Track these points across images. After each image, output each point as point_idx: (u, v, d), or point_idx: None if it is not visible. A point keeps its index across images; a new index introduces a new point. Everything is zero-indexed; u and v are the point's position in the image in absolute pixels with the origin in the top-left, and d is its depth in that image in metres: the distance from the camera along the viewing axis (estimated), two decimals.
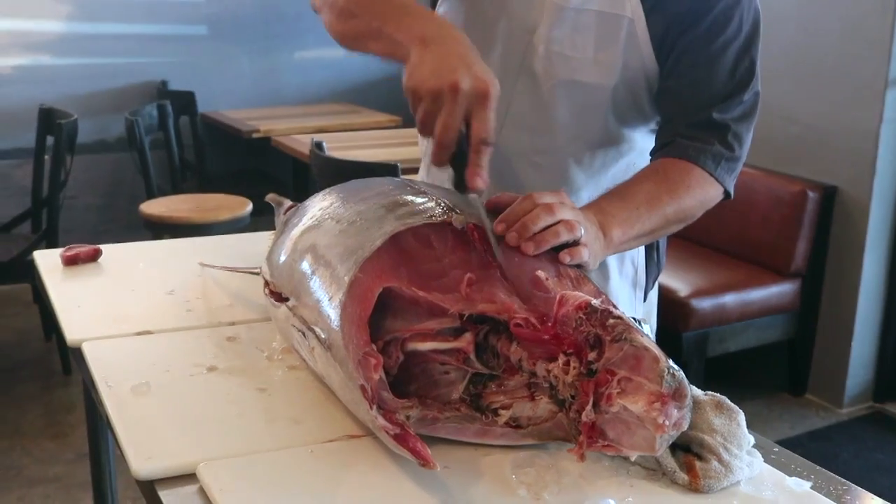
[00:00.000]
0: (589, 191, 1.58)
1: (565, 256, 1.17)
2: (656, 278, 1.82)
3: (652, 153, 1.53)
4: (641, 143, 1.60)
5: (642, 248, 1.71)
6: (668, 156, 1.46)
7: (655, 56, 1.46)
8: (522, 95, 1.53)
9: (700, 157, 1.44)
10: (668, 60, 1.46)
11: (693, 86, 1.45)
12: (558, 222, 1.19)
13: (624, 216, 1.33)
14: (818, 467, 1.16)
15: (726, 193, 1.51)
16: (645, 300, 1.76)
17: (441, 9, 1.57)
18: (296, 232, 1.34)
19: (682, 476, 1.07)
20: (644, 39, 1.45)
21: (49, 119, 4.19)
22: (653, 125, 1.58)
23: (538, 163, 1.57)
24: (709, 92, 1.44)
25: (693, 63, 1.44)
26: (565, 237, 1.18)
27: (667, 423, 0.95)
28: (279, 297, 1.30)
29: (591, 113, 1.52)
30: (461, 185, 1.21)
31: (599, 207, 1.34)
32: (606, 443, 1.00)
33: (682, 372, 0.95)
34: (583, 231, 1.21)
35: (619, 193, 1.40)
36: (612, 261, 1.64)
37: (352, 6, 1.37)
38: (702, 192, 1.46)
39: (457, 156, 1.19)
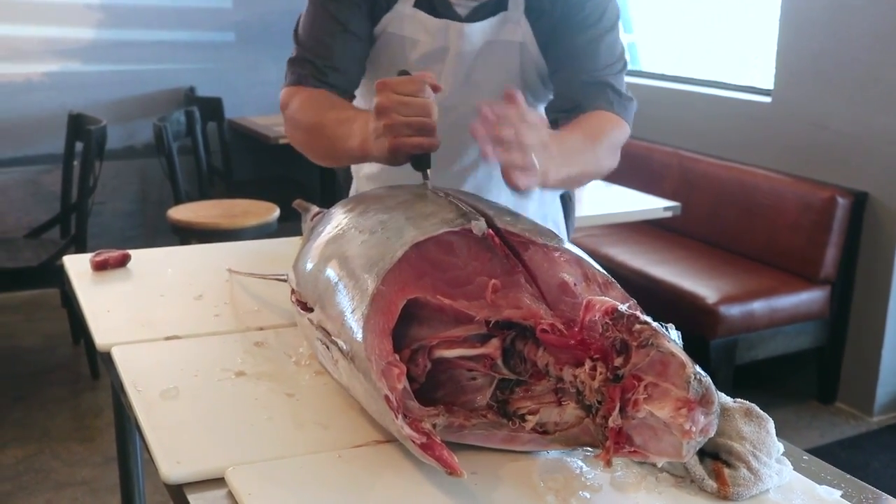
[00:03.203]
0: None
1: (519, 178, 1.28)
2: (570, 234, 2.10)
3: (551, 121, 1.72)
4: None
5: (560, 207, 2.04)
6: (574, 114, 1.71)
7: (544, 57, 1.78)
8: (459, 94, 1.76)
9: (601, 105, 1.72)
10: (555, 55, 1.76)
11: (579, 68, 1.74)
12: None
13: (560, 157, 1.45)
14: (848, 476, 1.15)
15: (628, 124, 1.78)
16: None
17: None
18: (320, 241, 1.34)
19: (711, 483, 1.07)
20: (535, 52, 1.77)
21: (78, 125, 4.22)
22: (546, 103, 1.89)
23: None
24: (593, 68, 1.74)
25: (575, 53, 1.74)
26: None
27: (693, 429, 0.94)
28: (304, 307, 1.31)
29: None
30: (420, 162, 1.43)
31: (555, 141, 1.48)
32: (633, 448, 0.99)
33: (709, 378, 0.94)
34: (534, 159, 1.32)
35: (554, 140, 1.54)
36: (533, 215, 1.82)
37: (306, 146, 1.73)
38: (613, 128, 1.70)
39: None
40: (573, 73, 1.75)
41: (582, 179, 1.70)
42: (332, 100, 1.72)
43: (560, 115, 1.76)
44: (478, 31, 1.75)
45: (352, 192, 2.10)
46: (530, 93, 1.81)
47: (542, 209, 1.95)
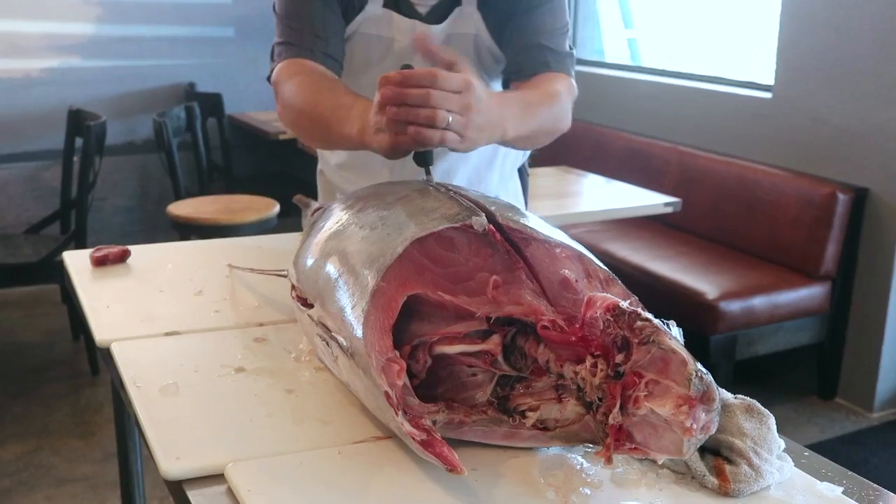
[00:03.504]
0: None
1: (414, 131, 1.34)
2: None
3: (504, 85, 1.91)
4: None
5: (518, 180, 2.17)
6: (520, 77, 1.82)
7: (496, 41, 1.86)
8: None
9: (542, 66, 1.81)
10: (502, 28, 1.84)
11: (520, 33, 1.83)
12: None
13: (517, 114, 1.57)
14: (849, 472, 1.14)
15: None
16: None
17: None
18: (320, 237, 1.34)
19: (712, 480, 1.06)
20: (488, 41, 1.85)
21: (78, 121, 4.22)
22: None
23: None
24: (532, 33, 1.82)
25: (519, 23, 1.82)
26: (422, 122, 1.34)
27: (694, 426, 0.94)
28: (304, 303, 1.30)
29: None
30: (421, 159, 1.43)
31: (501, 100, 1.57)
32: (634, 446, 0.99)
33: (710, 375, 0.94)
34: (451, 119, 1.35)
35: (511, 100, 1.65)
36: (496, 190, 2.03)
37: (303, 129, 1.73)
38: (562, 88, 1.78)
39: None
40: (515, 37, 1.83)
41: (539, 136, 1.73)
42: (329, 82, 1.72)
43: (508, 78, 1.87)
44: (441, 30, 1.83)
45: (319, 181, 2.17)
46: (486, 75, 1.90)
47: (502, 183, 2.06)
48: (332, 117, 1.60)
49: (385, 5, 1.82)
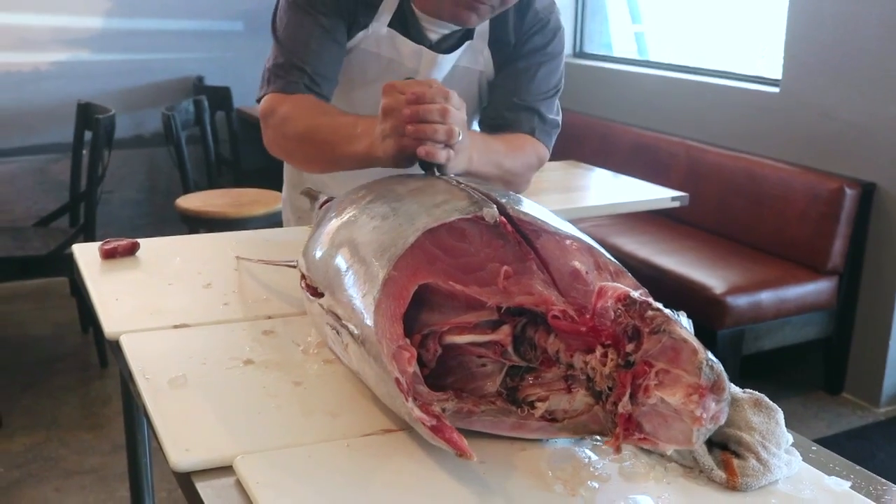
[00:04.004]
0: None
1: (425, 150, 1.41)
2: None
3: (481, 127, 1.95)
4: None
5: None
6: (503, 131, 1.85)
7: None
8: None
9: (527, 129, 1.87)
10: (499, 75, 1.90)
11: (514, 90, 1.88)
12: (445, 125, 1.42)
13: (483, 149, 1.65)
14: (857, 467, 1.14)
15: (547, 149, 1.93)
16: None
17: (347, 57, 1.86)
18: (331, 227, 1.34)
19: (720, 474, 1.06)
20: (490, 77, 1.91)
21: (87, 114, 4.23)
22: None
23: None
24: (527, 92, 1.87)
25: (515, 74, 1.87)
26: (441, 138, 1.41)
27: (704, 415, 0.94)
28: (315, 292, 1.31)
29: None
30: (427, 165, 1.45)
31: (473, 134, 1.67)
32: (643, 436, 0.99)
33: (720, 365, 0.94)
34: (459, 138, 1.43)
35: (484, 136, 1.76)
36: None
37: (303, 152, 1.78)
38: (532, 151, 1.86)
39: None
40: (508, 93, 1.87)
41: (492, 179, 1.68)
42: (323, 107, 1.75)
43: (487, 128, 1.89)
44: (448, 60, 1.85)
45: (286, 181, 2.26)
46: (478, 113, 1.98)
47: None
48: (336, 138, 1.63)
49: (391, 25, 1.82)
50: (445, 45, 1.86)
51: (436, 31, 1.83)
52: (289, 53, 1.78)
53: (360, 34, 1.82)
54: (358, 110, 1.74)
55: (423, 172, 1.46)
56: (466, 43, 1.86)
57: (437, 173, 1.44)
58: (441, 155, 1.42)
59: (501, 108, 1.88)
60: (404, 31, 1.83)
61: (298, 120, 1.72)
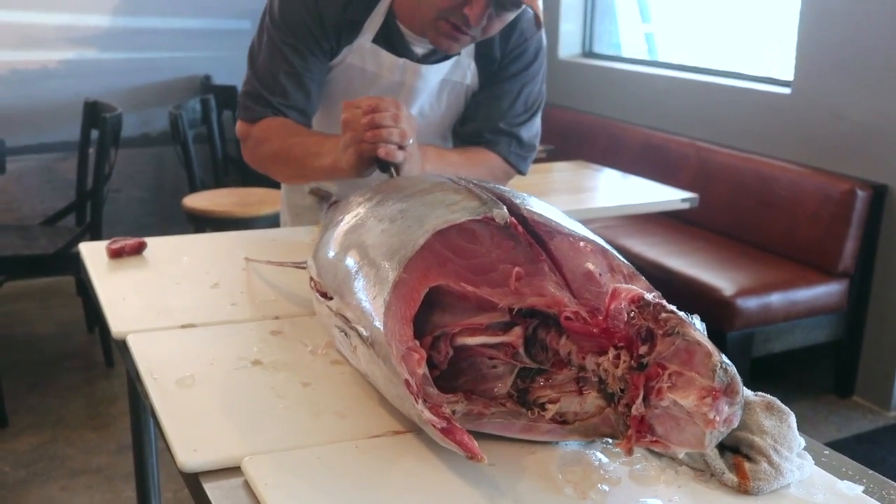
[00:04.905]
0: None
1: (384, 151, 1.58)
2: None
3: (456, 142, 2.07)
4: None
5: None
6: (475, 146, 1.98)
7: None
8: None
9: (501, 151, 1.98)
10: (479, 91, 1.99)
11: (496, 111, 1.97)
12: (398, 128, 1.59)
13: (436, 159, 1.82)
14: (870, 471, 1.13)
15: (521, 172, 2.05)
16: None
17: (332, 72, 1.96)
18: (339, 230, 1.34)
19: (732, 477, 1.05)
20: (475, 90, 1.98)
21: (94, 113, 4.23)
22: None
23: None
24: (507, 114, 1.97)
25: (498, 95, 1.96)
26: (395, 139, 1.59)
27: (717, 418, 0.92)
28: (324, 296, 1.30)
29: (432, 138, 2.01)
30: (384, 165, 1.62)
31: (426, 148, 1.82)
32: (655, 438, 0.98)
33: (734, 368, 0.93)
34: (410, 142, 1.61)
35: (439, 150, 1.93)
36: None
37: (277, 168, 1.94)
38: (493, 164, 1.97)
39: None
40: (491, 115, 1.97)
41: None
42: (294, 127, 1.88)
43: (462, 143, 2.02)
44: (433, 71, 1.92)
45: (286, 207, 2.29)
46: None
47: None
48: (306, 155, 1.80)
49: (375, 40, 1.88)
50: (432, 59, 1.91)
51: (421, 46, 1.89)
52: (259, 84, 1.91)
53: (345, 50, 1.89)
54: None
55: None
56: (454, 58, 1.92)
57: (395, 174, 1.60)
58: (398, 155, 1.59)
59: (483, 129, 1.97)
60: (389, 46, 1.89)
61: (270, 142, 1.87)
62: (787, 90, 4.17)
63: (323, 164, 1.74)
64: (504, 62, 1.94)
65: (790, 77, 4.15)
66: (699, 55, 5.14)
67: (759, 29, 5.07)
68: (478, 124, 1.98)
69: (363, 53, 1.89)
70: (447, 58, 1.91)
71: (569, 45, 5.64)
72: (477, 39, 1.80)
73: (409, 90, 1.92)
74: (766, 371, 3.96)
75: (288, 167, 1.87)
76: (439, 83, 1.94)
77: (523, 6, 1.71)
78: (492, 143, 1.97)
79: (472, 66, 1.94)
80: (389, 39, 1.88)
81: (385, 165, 1.61)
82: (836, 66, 3.90)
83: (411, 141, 1.61)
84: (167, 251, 1.87)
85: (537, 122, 2.03)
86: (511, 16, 1.74)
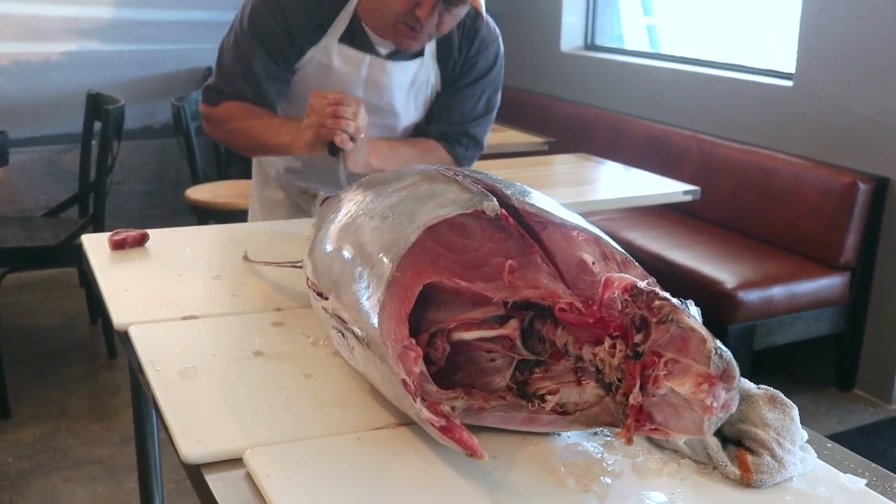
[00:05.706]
0: None
1: (339, 138, 1.80)
2: None
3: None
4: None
5: None
6: (427, 139, 2.15)
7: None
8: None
9: (451, 147, 2.15)
10: (440, 94, 2.14)
11: (457, 114, 2.14)
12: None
13: (387, 152, 2.02)
14: (873, 464, 1.13)
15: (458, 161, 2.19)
16: None
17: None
18: (332, 230, 1.33)
19: (734, 470, 1.05)
20: (437, 90, 2.13)
21: (96, 105, 4.22)
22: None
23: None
24: (466, 117, 2.14)
25: (460, 99, 2.12)
26: (350, 131, 1.81)
27: (715, 404, 0.92)
28: (320, 295, 1.30)
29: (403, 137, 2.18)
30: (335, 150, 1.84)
31: (376, 141, 2.01)
32: (654, 426, 0.98)
33: (729, 353, 0.92)
34: (360, 136, 1.84)
35: (392, 143, 2.09)
36: None
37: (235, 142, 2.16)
38: (441, 155, 2.13)
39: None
40: (453, 115, 2.13)
41: None
42: (252, 108, 2.05)
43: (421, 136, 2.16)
44: (398, 69, 2.06)
45: (254, 177, 2.46)
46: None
47: None
48: (267, 133, 2.00)
49: (341, 40, 2.01)
50: (396, 57, 2.05)
51: (385, 47, 2.03)
52: (223, 83, 2.08)
53: (311, 50, 2.02)
54: None
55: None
56: (419, 60, 2.06)
57: (343, 160, 1.87)
58: (349, 144, 1.82)
59: (446, 129, 2.14)
60: (354, 45, 2.02)
61: (232, 121, 2.07)
62: (789, 83, 4.17)
63: (282, 140, 1.95)
64: (466, 67, 2.10)
65: (792, 70, 4.14)
66: (701, 48, 5.13)
67: (761, 21, 5.06)
68: (442, 125, 2.14)
69: (329, 51, 2.02)
70: (412, 57, 2.04)
71: (571, 37, 5.62)
72: (434, 36, 1.97)
73: (374, 85, 2.06)
74: (767, 364, 3.96)
75: (248, 140, 2.07)
76: (408, 81, 2.08)
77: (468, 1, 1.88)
78: (451, 142, 2.13)
79: (435, 67, 2.09)
80: (354, 39, 2.01)
81: (335, 150, 1.84)
82: (838, 58, 3.89)
83: (362, 136, 1.84)
84: (169, 243, 1.87)
85: (491, 125, 2.21)
86: (461, 11, 1.90)
